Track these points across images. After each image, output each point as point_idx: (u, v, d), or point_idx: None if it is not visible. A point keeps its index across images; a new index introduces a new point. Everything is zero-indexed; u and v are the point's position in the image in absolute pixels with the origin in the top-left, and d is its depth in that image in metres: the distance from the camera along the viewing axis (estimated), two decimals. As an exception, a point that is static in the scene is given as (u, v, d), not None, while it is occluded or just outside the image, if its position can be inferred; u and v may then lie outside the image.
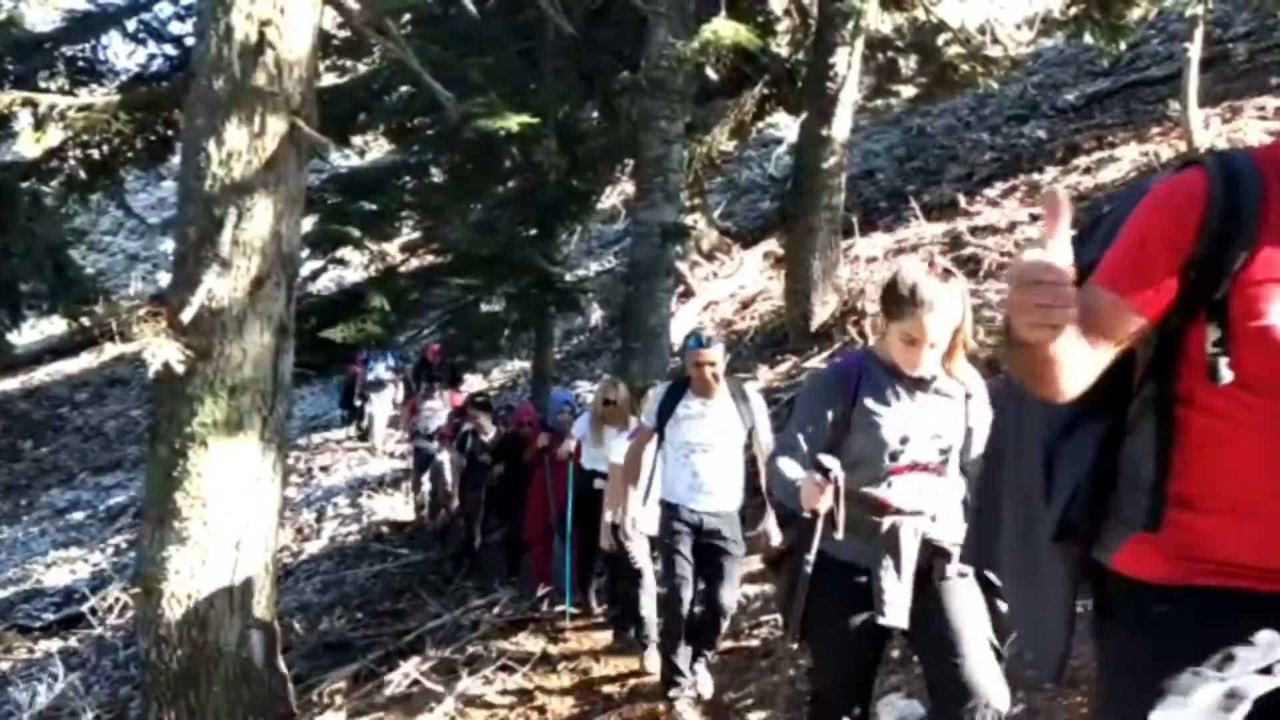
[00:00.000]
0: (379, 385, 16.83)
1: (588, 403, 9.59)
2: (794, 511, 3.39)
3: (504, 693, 6.68)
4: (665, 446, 5.61)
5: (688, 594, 5.54)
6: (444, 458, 11.51)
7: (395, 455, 16.16)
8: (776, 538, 5.53)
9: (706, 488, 5.45)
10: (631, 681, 6.42)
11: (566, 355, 18.18)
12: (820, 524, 3.25)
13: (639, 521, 6.18)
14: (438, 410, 13.10)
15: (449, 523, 11.42)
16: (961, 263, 13.01)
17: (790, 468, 3.35)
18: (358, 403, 17.46)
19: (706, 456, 5.44)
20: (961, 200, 14.77)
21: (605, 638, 7.42)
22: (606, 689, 6.42)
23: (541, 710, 6.32)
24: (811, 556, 3.33)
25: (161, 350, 5.68)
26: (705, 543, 5.48)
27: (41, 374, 25.30)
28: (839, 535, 3.21)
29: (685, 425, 5.47)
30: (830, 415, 3.33)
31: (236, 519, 5.95)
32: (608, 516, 6.74)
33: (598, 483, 7.54)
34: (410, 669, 7.34)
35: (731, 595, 5.63)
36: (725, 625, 5.71)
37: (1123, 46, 13.67)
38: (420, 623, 8.87)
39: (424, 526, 12.59)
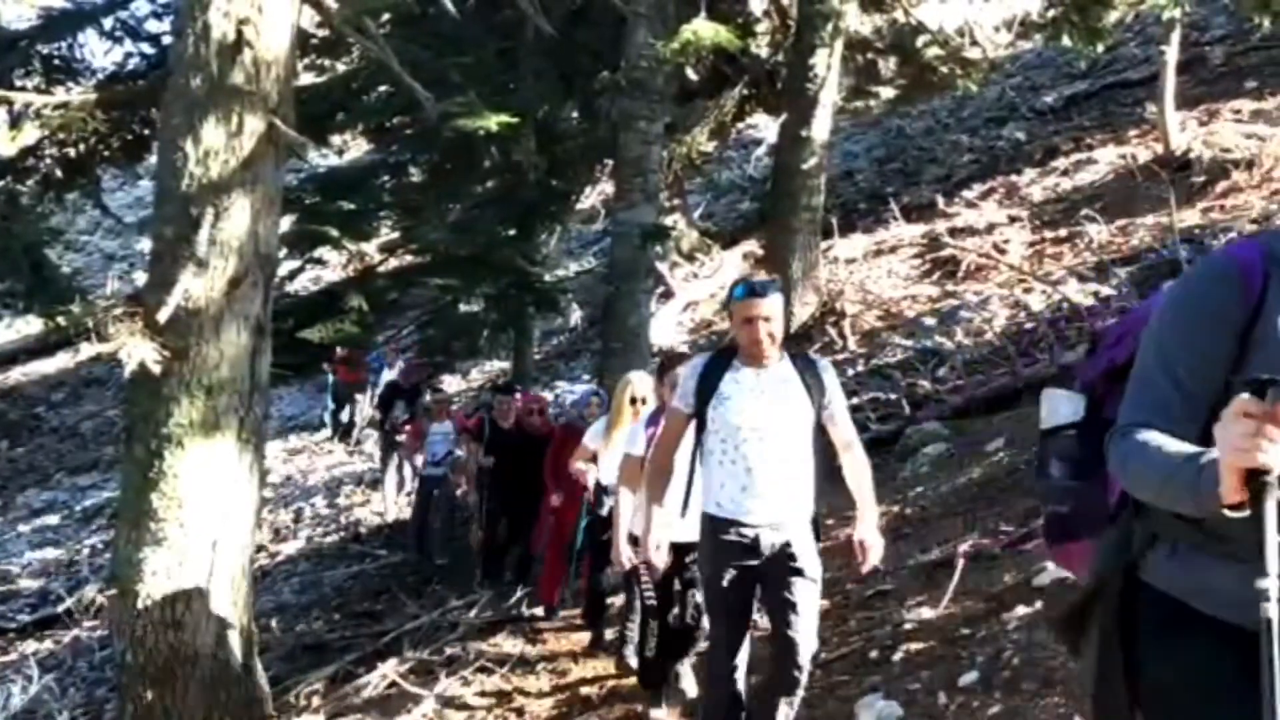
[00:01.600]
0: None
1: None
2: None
3: (482, 694, 6.67)
4: (706, 437, 4.18)
5: (740, 667, 4.22)
6: (461, 454, 11.00)
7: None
8: (878, 551, 4.21)
9: (764, 490, 4.07)
10: (610, 683, 6.41)
11: (546, 356, 18.18)
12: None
13: (664, 543, 4.57)
14: (448, 433, 11.64)
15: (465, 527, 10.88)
16: (940, 264, 13.11)
17: (1154, 442, 1.83)
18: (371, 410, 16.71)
19: (764, 446, 4.07)
20: (940, 201, 14.87)
21: (584, 639, 7.41)
22: (585, 690, 6.42)
23: (520, 712, 6.31)
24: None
25: (137, 350, 5.64)
26: (767, 567, 4.09)
27: (17, 374, 25.13)
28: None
29: (733, 405, 4.08)
30: (1215, 350, 1.86)
31: (213, 520, 5.91)
32: (623, 529, 5.52)
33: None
34: (388, 670, 7.34)
35: (809, 632, 4.09)
36: (805, 676, 4.14)
37: (1100, 49, 13.79)
38: (398, 624, 8.84)
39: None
